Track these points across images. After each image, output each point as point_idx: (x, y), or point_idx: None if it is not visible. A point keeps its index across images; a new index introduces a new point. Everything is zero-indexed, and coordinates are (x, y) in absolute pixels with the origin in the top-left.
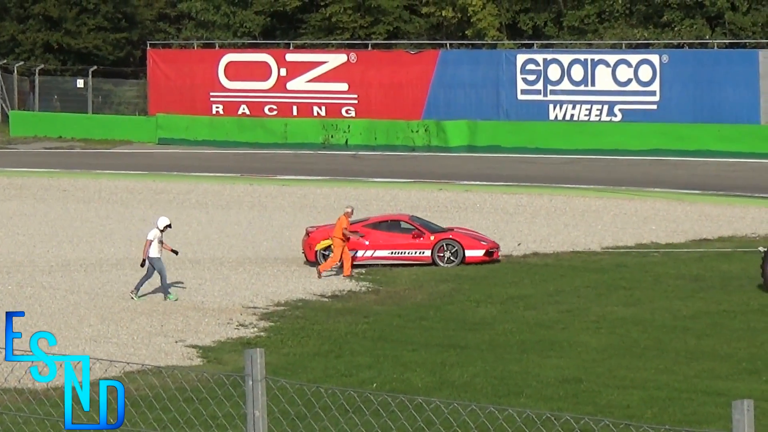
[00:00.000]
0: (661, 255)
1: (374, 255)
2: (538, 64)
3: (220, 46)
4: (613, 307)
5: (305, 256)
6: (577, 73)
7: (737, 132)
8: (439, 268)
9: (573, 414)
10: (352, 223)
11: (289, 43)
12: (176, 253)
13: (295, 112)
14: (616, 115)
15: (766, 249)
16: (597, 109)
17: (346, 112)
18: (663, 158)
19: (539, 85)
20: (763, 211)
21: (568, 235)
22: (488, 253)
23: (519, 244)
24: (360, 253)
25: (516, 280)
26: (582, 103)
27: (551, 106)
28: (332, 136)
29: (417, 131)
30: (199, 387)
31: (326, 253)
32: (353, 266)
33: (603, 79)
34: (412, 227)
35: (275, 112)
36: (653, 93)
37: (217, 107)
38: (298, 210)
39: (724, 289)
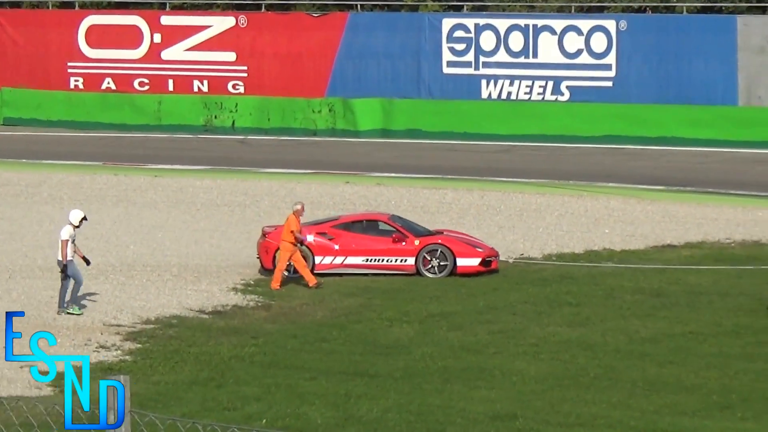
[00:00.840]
0: (615, 264)
1: (345, 262)
2: (468, 31)
3: (81, 6)
4: (556, 327)
5: (261, 262)
6: (516, 41)
7: (710, 115)
8: (343, 279)
9: None
10: (319, 224)
11: (165, 3)
12: (88, 262)
13: (171, 88)
14: (562, 94)
15: None
16: (540, 87)
17: (234, 87)
18: (619, 146)
19: (469, 56)
20: (739, 211)
21: (502, 239)
22: (485, 263)
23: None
24: (328, 260)
25: (438, 294)
26: (521, 78)
27: (484, 82)
28: (216, 117)
29: (319, 111)
30: (48, 422)
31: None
32: (318, 274)
33: (547, 49)
34: (393, 229)
35: (147, 88)
36: (608, 67)
37: (75, 80)
38: (173, 206)
39: (691, 305)
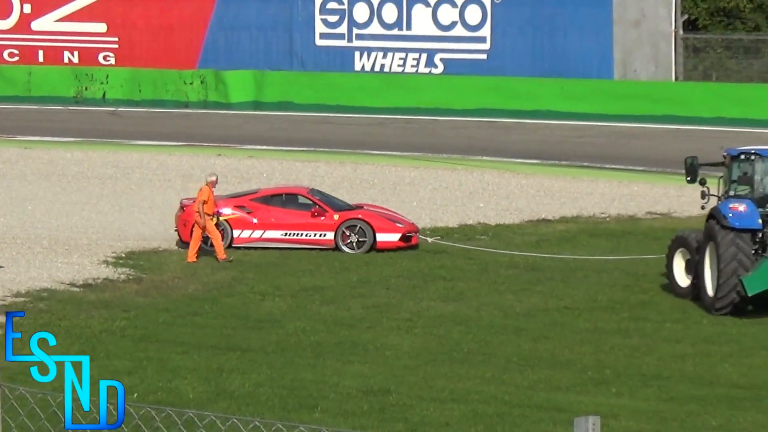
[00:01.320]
0: (490, 238)
1: (263, 236)
2: (341, 2)
3: None
4: (430, 302)
5: (179, 235)
6: (390, 13)
7: (585, 89)
8: (213, 252)
9: None
10: (237, 197)
11: None
12: None
13: (40, 59)
14: (436, 66)
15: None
16: (413, 59)
17: (105, 59)
18: (494, 120)
19: (342, 28)
20: (614, 185)
21: None
22: (405, 238)
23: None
24: (246, 234)
25: (311, 267)
26: (395, 50)
27: (357, 54)
28: (86, 89)
29: (191, 83)
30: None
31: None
32: (234, 248)
33: (421, 21)
34: (312, 203)
35: (16, 59)
36: (483, 39)
37: None
38: (43, 178)
39: (566, 281)
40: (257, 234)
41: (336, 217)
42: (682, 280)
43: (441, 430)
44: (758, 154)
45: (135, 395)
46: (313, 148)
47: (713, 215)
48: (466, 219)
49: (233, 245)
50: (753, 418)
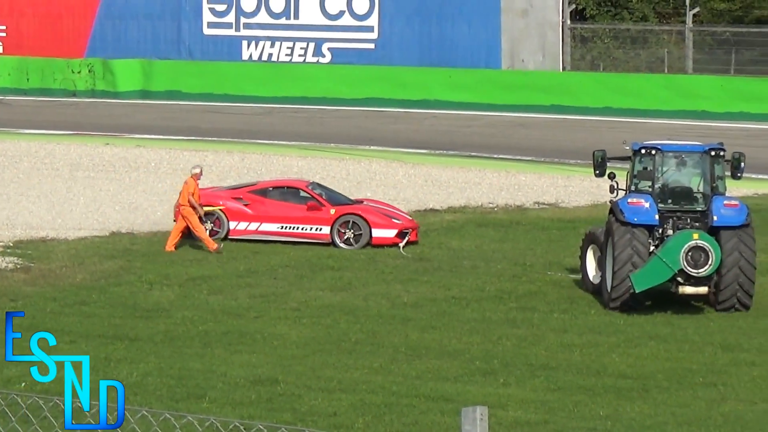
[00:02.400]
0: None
1: (260, 229)
2: None
3: None
4: (317, 291)
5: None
6: (277, 3)
7: (473, 79)
8: (102, 240)
9: (267, 422)
10: (235, 188)
11: None
12: None
13: None
14: (324, 56)
15: (589, 230)
16: (301, 48)
17: None
18: (381, 109)
19: (230, 17)
20: (502, 175)
21: None
22: (401, 235)
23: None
24: (243, 226)
25: (199, 257)
26: (282, 39)
27: (245, 44)
28: None
29: (79, 72)
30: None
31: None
32: (229, 240)
33: (308, 10)
34: (309, 197)
35: None
36: (370, 29)
37: None
38: None
39: (454, 271)
40: (253, 226)
41: (332, 211)
42: (594, 276)
43: (329, 420)
44: (659, 148)
45: (22, 385)
46: (200, 138)
47: (612, 210)
48: None
49: (229, 237)
50: (640, 408)
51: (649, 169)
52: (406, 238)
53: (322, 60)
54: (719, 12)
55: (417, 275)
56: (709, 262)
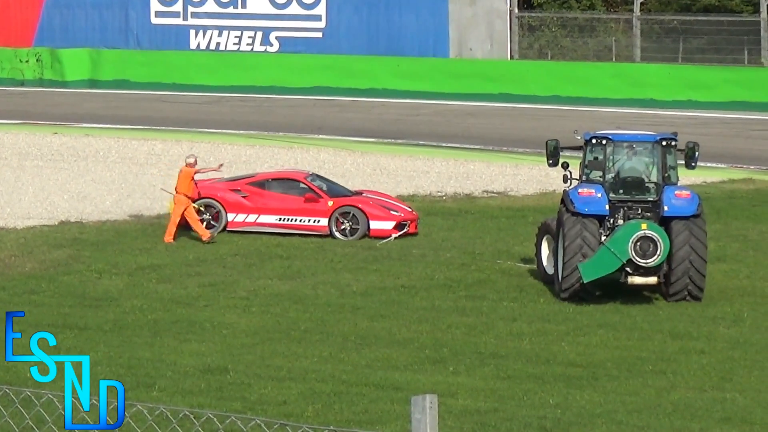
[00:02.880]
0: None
1: (258, 220)
2: None
3: None
4: (267, 280)
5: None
6: None
7: (421, 67)
8: (51, 229)
9: (217, 411)
10: (234, 180)
11: None
12: None
13: None
14: (272, 45)
15: (543, 222)
16: (249, 37)
17: None
18: (330, 98)
19: (178, 6)
20: (451, 163)
21: None
22: (399, 227)
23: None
24: (241, 218)
25: (148, 246)
26: (230, 29)
27: (192, 33)
28: None
29: (27, 61)
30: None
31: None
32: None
33: (256, 0)
34: (307, 188)
35: None
36: (318, 18)
37: None
38: None
39: (403, 259)
40: (251, 218)
41: (330, 203)
42: (549, 266)
43: (279, 409)
44: (609, 138)
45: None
46: (149, 126)
47: (563, 200)
48: None
49: (228, 229)
50: (589, 396)
51: (599, 159)
52: (404, 230)
53: (269, 49)
54: (667, 0)
55: (366, 264)
56: (658, 252)
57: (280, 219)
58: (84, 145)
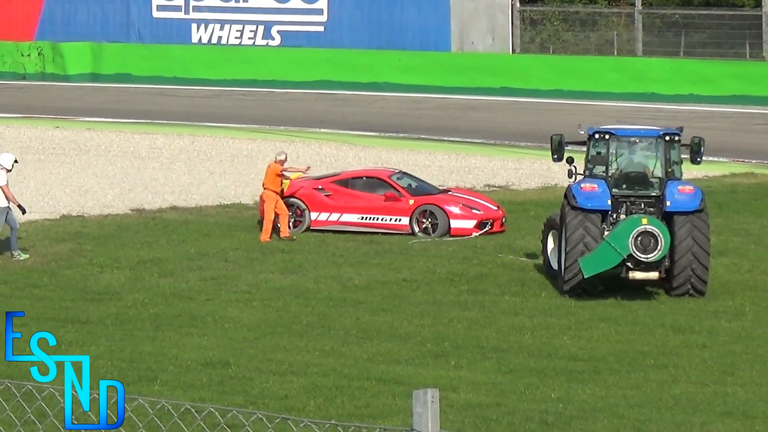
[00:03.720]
0: None
1: (341, 219)
2: None
3: None
4: (268, 274)
5: (261, 213)
6: None
7: (423, 61)
8: (53, 223)
9: (218, 405)
10: (318, 179)
11: None
12: (24, 211)
13: None
14: (273, 39)
15: (549, 217)
16: (250, 31)
17: None
18: (331, 92)
19: (179, 0)
20: (452, 157)
21: (213, 186)
22: (481, 225)
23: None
24: (324, 217)
25: (150, 240)
26: (232, 22)
27: (194, 26)
28: None
29: (28, 55)
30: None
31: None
32: (314, 231)
33: None
34: (390, 187)
35: None
36: (320, 11)
37: None
38: None
39: (405, 253)
40: (334, 217)
41: (411, 202)
42: (554, 261)
43: (280, 403)
44: (613, 133)
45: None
46: (150, 120)
47: (566, 195)
48: None
49: (311, 228)
50: (591, 390)
51: (602, 154)
52: (486, 228)
53: (271, 43)
54: None
55: (367, 258)
56: (659, 248)
57: (363, 218)
58: (85, 139)
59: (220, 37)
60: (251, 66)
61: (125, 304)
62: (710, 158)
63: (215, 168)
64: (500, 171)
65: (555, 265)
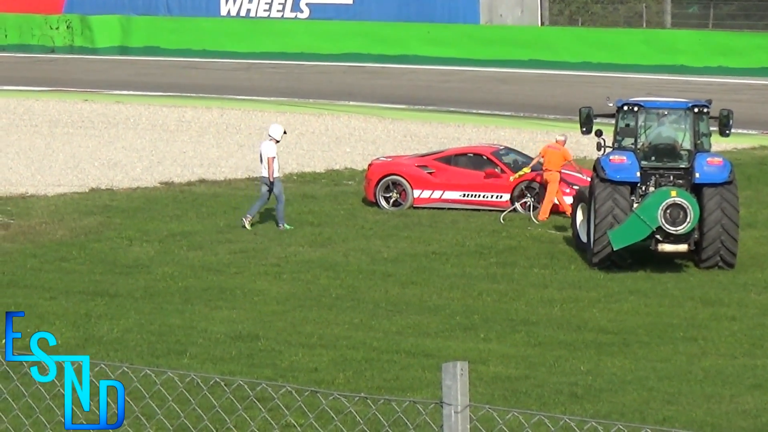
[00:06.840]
0: (357, 184)
1: (443, 197)
2: None
3: None
4: (297, 247)
5: (365, 191)
6: None
7: (451, 34)
8: (81, 196)
9: (248, 378)
10: (422, 156)
11: None
12: (270, 188)
13: None
14: (302, 11)
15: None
16: (279, 4)
17: None
18: (360, 64)
19: None
20: (481, 129)
21: (242, 158)
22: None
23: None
24: (427, 194)
25: (178, 213)
26: None
27: (223, 0)
28: None
29: (57, 28)
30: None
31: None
32: (421, 208)
33: None
34: (491, 163)
35: None
36: None
37: None
38: None
39: (434, 226)
40: (437, 194)
41: (512, 178)
42: (583, 233)
43: (309, 376)
44: (641, 105)
45: (2, 341)
46: (179, 93)
47: (595, 167)
48: (333, 164)
49: (414, 206)
50: (621, 362)
51: (631, 126)
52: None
53: (300, 15)
54: None
55: (397, 230)
56: (688, 220)
57: (464, 195)
58: (114, 113)
59: (248, 10)
60: (280, 39)
61: (154, 277)
62: (739, 130)
63: (244, 141)
64: (529, 143)
65: (584, 238)
